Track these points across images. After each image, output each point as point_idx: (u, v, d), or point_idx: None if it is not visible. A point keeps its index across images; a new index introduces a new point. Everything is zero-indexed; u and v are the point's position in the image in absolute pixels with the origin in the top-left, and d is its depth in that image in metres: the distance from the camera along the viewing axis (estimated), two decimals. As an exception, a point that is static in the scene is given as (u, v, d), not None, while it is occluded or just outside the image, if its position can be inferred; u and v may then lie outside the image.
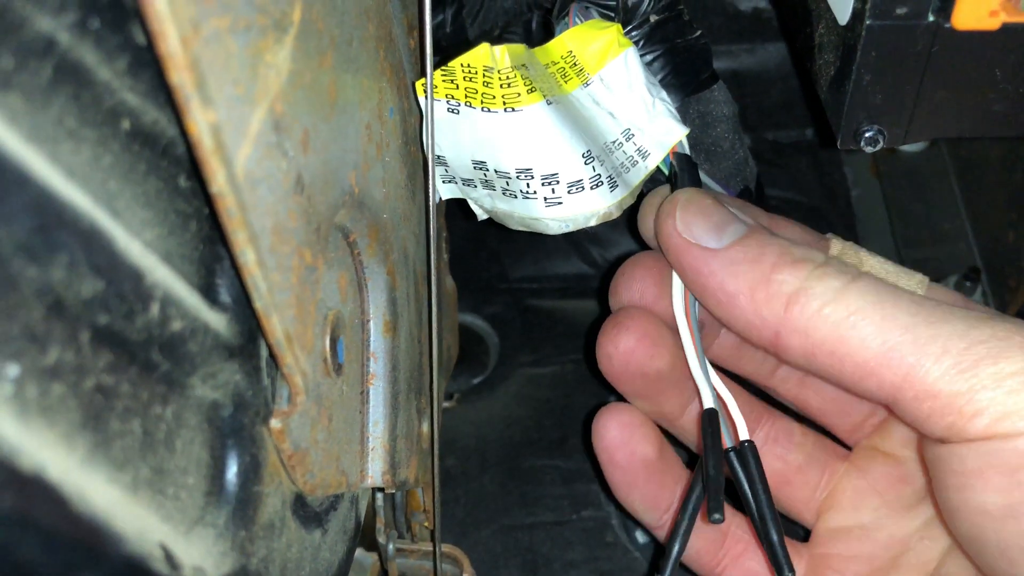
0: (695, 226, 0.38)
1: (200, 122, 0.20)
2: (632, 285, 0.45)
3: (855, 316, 0.33)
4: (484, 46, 0.41)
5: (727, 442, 0.42)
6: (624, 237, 0.77)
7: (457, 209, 0.51)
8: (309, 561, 0.32)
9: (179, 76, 0.19)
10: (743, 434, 0.42)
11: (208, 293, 0.26)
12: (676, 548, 0.42)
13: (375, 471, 0.37)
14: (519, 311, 0.74)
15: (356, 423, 0.36)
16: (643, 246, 0.48)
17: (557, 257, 0.77)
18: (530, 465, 0.64)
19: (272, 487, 0.28)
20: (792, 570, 0.39)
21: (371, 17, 0.35)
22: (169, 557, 0.22)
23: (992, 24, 0.31)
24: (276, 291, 0.24)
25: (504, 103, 0.42)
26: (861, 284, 0.34)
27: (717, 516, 0.38)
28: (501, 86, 0.42)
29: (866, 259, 0.42)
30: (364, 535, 0.50)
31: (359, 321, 0.36)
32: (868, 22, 0.32)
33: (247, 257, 0.22)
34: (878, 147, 0.35)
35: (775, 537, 0.40)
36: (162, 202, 0.24)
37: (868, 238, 0.74)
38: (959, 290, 0.70)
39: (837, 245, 0.43)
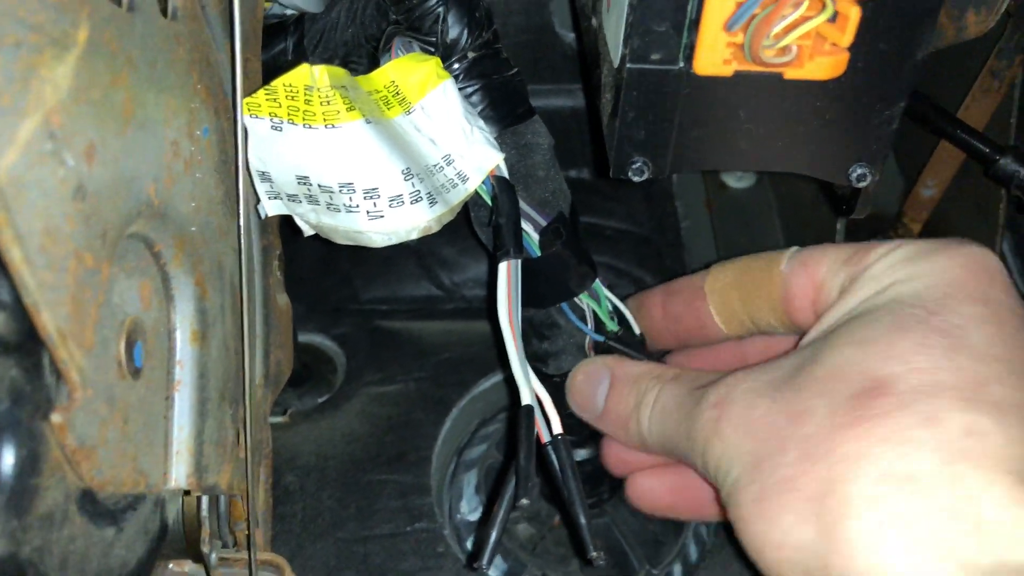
0: None
1: (-44, 128, 0.22)
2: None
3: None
4: (304, 66, 0.44)
5: (544, 437, 0.46)
6: (473, 261, 0.81)
7: (297, 234, 0.53)
8: (98, 556, 0.33)
9: (-69, 85, 0.21)
10: (556, 429, 0.46)
11: (-15, 292, 0.27)
12: (493, 535, 0.45)
13: (179, 474, 0.38)
14: (368, 332, 0.76)
15: (158, 426, 0.37)
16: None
17: (407, 280, 0.80)
18: (368, 480, 0.66)
19: (53, 481, 0.30)
20: (596, 550, 0.43)
21: (182, 41, 0.37)
22: (-78, 536, 0.23)
23: (727, 71, 0.35)
24: (45, 289, 0.26)
25: (324, 120, 0.44)
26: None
27: (524, 501, 0.41)
28: (321, 104, 0.44)
29: None
30: (190, 545, 0.51)
31: (164, 329, 0.38)
32: (628, 66, 0.36)
33: (12, 255, 0.24)
34: (644, 177, 0.39)
35: (583, 520, 0.44)
36: (-65, 204, 0.25)
37: (695, 267, 0.80)
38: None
39: None
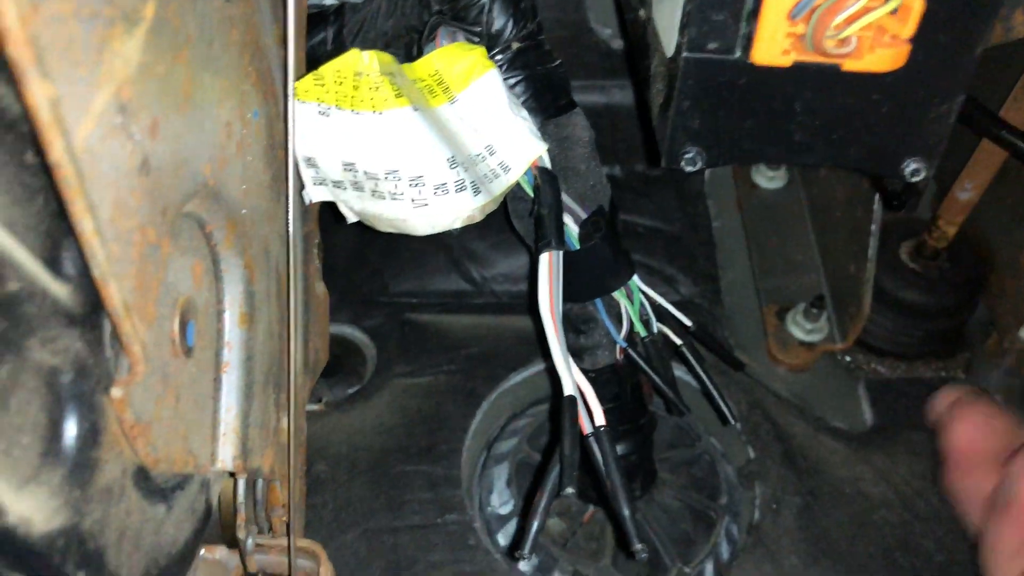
0: None
1: (38, 95, 0.22)
2: None
3: None
4: (354, 51, 0.44)
5: (585, 428, 0.45)
6: (503, 256, 0.81)
7: (340, 221, 0.53)
8: (151, 533, 0.33)
9: (16, 50, 0.21)
10: (599, 420, 0.46)
11: (53, 263, 0.27)
12: (535, 524, 0.45)
13: (225, 455, 0.38)
14: (398, 324, 0.77)
15: (207, 407, 0.37)
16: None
17: (437, 274, 0.80)
18: (398, 471, 0.66)
19: (112, 455, 0.30)
20: (638, 543, 0.42)
21: (236, 24, 0.37)
22: (-7, 502, 0.23)
23: (785, 61, 0.35)
24: (114, 261, 0.26)
25: (373, 106, 0.44)
26: None
27: (569, 490, 0.41)
28: (370, 90, 0.44)
29: None
30: (225, 531, 0.51)
31: (214, 309, 0.38)
32: (685, 55, 0.36)
33: (85, 226, 0.24)
34: (697, 167, 0.39)
35: (626, 511, 0.43)
36: (7, 174, 0.25)
37: (726, 266, 0.80)
38: (806, 316, 0.76)
39: None
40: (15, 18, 0.20)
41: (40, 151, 0.26)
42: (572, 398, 0.44)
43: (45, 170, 0.27)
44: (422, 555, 0.61)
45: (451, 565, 0.61)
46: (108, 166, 0.25)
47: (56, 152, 0.23)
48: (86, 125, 0.24)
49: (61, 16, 0.22)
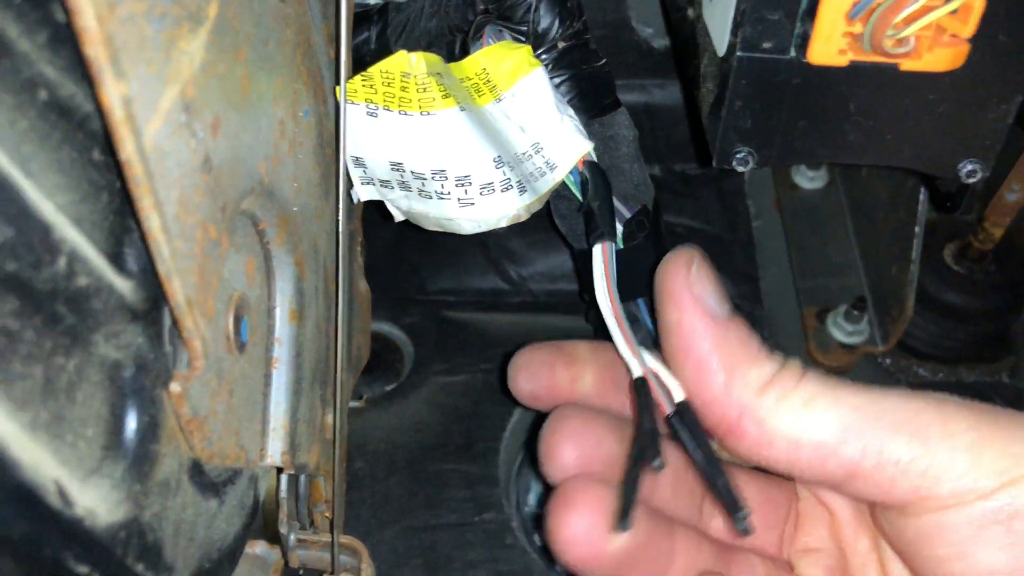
0: (705, 286, 0.38)
1: (112, 94, 0.22)
2: (568, 448, 0.40)
3: (812, 402, 0.35)
4: (402, 53, 0.44)
5: (665, 409, 0.43)
6: (540, 255, 0.81)
7: (379, 219, 0.53)
8: (204, 526, 0.33)
9: (94, 50, 0.21)
10: (678, 397, 0.44)
11: (116, 259, 0.27)
12: (631, 498, 0.42)
13: (274, 451, 0.39)
14: (435, 322, 0.77)
15: (258, 402, 0.38)
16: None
17: (475, 272, 0.80)
18: (436, 469, 0.66)
19: (169, 449, 0.30)
20: (744, 506, 0.39)
21: (289, 23, 0.38)
22: (63, 493, 0.24)
23: (842, 61, 0.35)
24: (178, 257, 0.26)
25: (420, 107, 0.45)
26: (811, 376, 0.36)
27: (657, 462, 0.38)
28: (417, 91, 0.44)
29: None
30: (267, 527, 0.51)
31: (265, 306, 0.38)
32: (739, 54, 0.36)
33: (152, 223, 0.25)
34: (748, 167, 0.39)
35: (720, 481, 0.41)
36: (76, 171, 0.26)
37: (766, 267, 0.79)
38: (847, 318, 0.75)
39: None
40: (92, 18, 0.20)
41: (107, 148, 0.27)
42: (642, 379, 0.41)
43: (110, 167, 0.27)
44: (459, 553, 0.62)
45: (488, 563, 0.61)
46: (174, 164, 0.26)
47: (127, 150, 0.23)
48: (154, 123, 0.24)
49: (134, 15, 0.22)
